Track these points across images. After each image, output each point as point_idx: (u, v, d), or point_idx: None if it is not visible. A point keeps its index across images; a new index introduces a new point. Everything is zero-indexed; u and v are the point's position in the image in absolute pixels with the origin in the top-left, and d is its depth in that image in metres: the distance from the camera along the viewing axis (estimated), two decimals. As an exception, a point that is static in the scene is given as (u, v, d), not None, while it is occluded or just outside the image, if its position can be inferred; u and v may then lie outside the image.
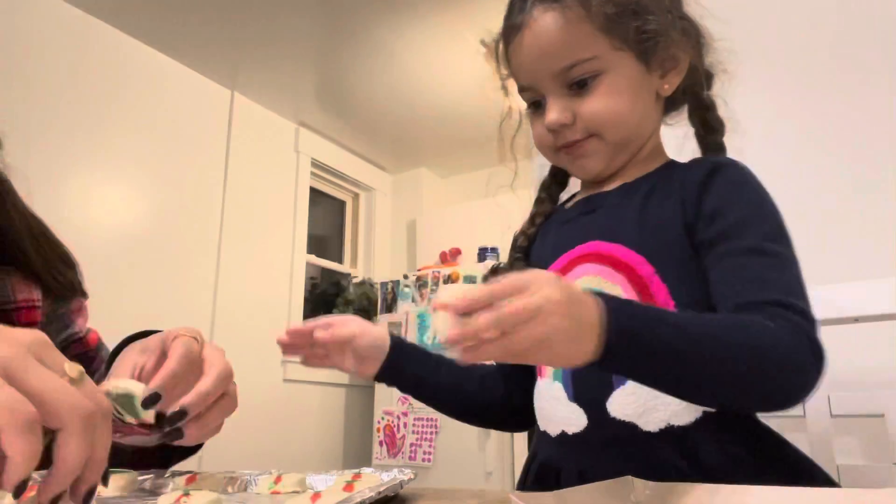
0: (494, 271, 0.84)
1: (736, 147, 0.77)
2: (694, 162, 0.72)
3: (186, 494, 0.41)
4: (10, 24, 2.48)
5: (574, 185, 0.86)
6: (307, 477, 0.54)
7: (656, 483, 0.49)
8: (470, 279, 3.32)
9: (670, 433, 0.62)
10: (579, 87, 0.69)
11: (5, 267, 0.70)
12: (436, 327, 0.44)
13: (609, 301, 0.48)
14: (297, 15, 2.79)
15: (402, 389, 0.81)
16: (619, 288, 0.66)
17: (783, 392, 0.55)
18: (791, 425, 0.69)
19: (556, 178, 0.86)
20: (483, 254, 3.65)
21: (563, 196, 0.87)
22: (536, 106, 0.74)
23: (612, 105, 0.69)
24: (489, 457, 3.00)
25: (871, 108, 1.26)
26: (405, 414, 3.28)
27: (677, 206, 0.67)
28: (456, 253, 3.87)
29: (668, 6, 0.72)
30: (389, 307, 3.55)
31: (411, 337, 3.38)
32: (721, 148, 0.77)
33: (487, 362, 0.79)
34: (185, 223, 3.08)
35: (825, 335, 0.92)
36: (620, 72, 0.69)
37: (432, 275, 3.46)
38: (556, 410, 0.70)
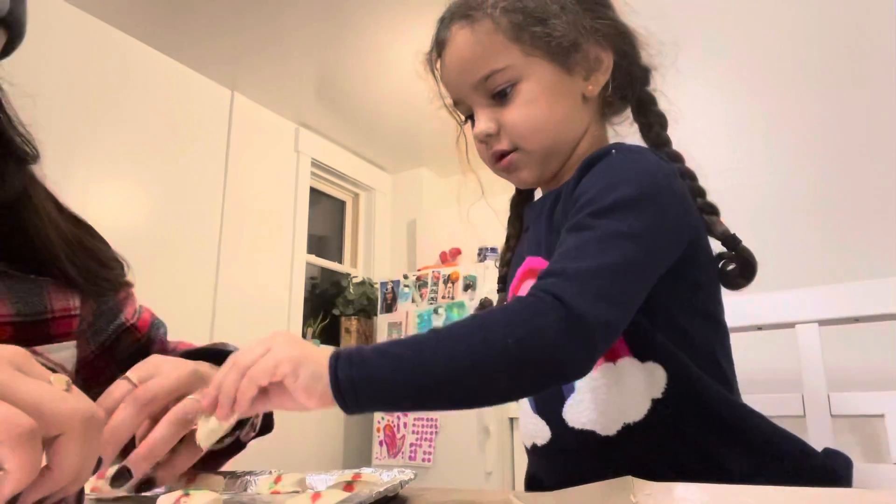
0: (483, 306, 0.86)
1: (682, 140, 0.76)
2: (587, 156, 0.71)
3: (186, 494, 0.41)
4: (10, 24, 2.48)
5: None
6: (307, 477, 0.54)
7: (656, 483, 0.49)
8: (470, 279, 3.32)
9: (629, 432, 0.62)
10: (501, 97, 0.71)
11: (41, 277, 0.69)
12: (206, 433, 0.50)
13: (338, 351, 0.51)
14: (297, 15, 2.79)
15: None
16: None
17: (537, 366, 0.51)
18: (791, 425, 0.68)
19: (521, 196, 0.86)
20: (483, 254, 3.65)
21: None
22: (471, 119, 0.76)
23: (530, 113, 0.70)
24: (489, 457, 3.00)
25: (872, 107, 1.26)
26: (405, 414, 3.28)
27: (564, 206, 0.68)
28: (456, 253, 3.87)
29: (576, 9, 0.72)
30: (389, 307, 3.55)
31: (411, 337, 3.38)
32: (665, 142, 0.76)
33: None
34: (185, 223, 3.08)
35: (825, 335, 0.93)
36: (536, 78, 0.70)
37: (432, 275, 3.46)
38: (526, 423, 0.72)
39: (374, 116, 3.71)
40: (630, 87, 0.76)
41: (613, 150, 0.67)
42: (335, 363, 0.49)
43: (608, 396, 0.63)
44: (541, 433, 0.69)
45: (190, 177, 3.14)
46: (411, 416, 3.26)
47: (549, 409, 0.67)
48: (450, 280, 3.38)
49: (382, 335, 3.51)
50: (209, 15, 2.78)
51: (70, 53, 2.67)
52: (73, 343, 0.70)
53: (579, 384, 0.65)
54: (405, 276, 3.55)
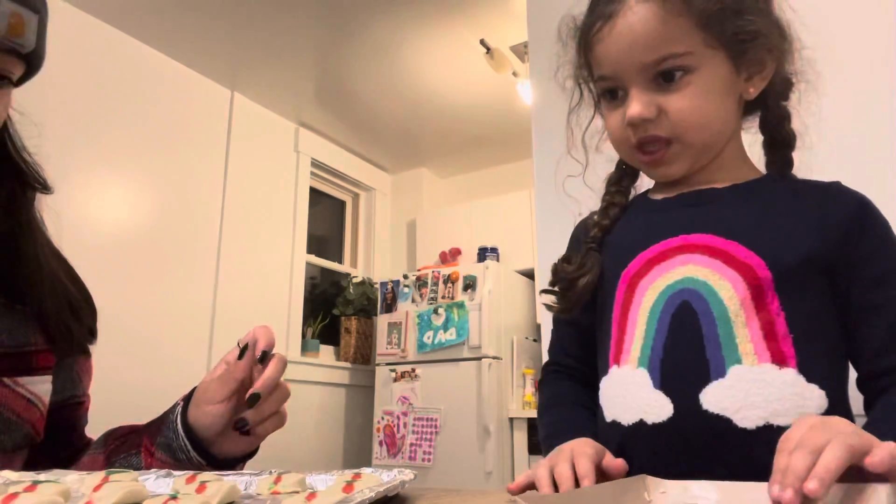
0: (567, 259, 0.80)
1: (805, 163, 0.75)
2: (831, 188, 0.70)
3: (174, 498, 0.40)
4: (10, 24, 2.48)
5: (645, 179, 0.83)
6: (307, 477, 0.54)
7: (670, 481, 0.48)
8: (470, 279, 3.32)
9: (769, 432, 0.60)
10: (666, 81, 0.67)
11: (26, 308, 0.69)
12: None
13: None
14: (297, 15, 2.79)
15: None
16: (730, 284, 0.66)
17: None
18: (791, 426, 0.68)
19: (627, 172, 0.83)
20: (483, 254, 3.65)
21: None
22: (612, 96, 0.72)
23: (699, 105, 0.67)
24: (489, 457, 3.00)
25: (872, 107, 1.27)
26: (405, 414, 3.28)
27: (813, 228, 0.66)
28: (456, 253, 3.87)
29: (765, 9, 0.70)
30: (389, 307, 3.55)
31: (411, 336, 3.38)
32: (789, 163, 0.75)
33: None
34: (185, 223, 3.08)
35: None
36: (712, 71, 0.67)
37: (432, 275, 3.46)
38: (637, 397, 0.67)
39: (374, 116, 3.71)
40: (767, 96, 0.73)
41: (866, 197, 0.69)
42: None
43: (760, 392, 0.62)
44: (659, 410, 0.65)
45: (190, 177, 3.14)
46: (411, 415, 3.26)
47: (682, 387, 0.64)
48: (450, 280, 3.38)
49: (382, 335, 3.51)
50: (209, 15, 2.78)
51: (70, 54, 2.67)
52: (49, 378, 0.71)
53: (733, 371, 0.63)
54: (405, 276, 3.55)
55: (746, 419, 0.61)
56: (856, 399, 0.67)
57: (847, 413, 0.65)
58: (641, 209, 0.79)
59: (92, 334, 0.77)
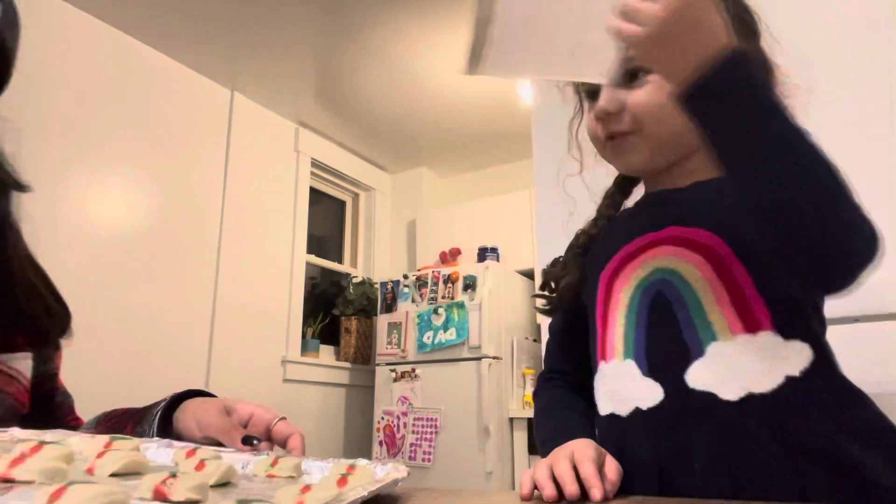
0: (555, 263, 0.89)
1: None
2: None
3: (173, 476, 0.41)
4: (11, 23, 2.49)
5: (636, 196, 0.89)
6: (304, 462, 0.54)
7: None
8: (470, 279, 3.32)
9: (751, 401, 0.63)
10: (630, 79, 0.72)
11: None
12: None
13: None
14: (296, 15, 2.80)
15: None
16: (694, 266, 0.70)
17: (844, 236, 0.58)
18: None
19: (620, 188, 0.90)
20: (483, 254, 3.65)
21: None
22: (592, 98, 0.78)
23: (656, 101, 0.72)
24: (489, 457, 3.00)
25: (868, 106, 1.27)
26: (405, 414, 3.28)
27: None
28: (456, 253, 3.87)
29: (732, 28, 0.74)
30: (389, 307, 3.55)
31: (411, 336, 3.38)
32: None
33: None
34: (185, 223, 3.08)
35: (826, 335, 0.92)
36: None
37: (432, 275, 3.46)
38: (629, 388, 0.71)
39: (374, 116, 3.71)
40: None
41: None
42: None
43: (736, 364, 0.65)
44: (651, 395, 0.69)
45: (190, 177, 3.14)
46: (411, 415, 3.26)
47: (668, 371, 0.69)
48: (450, 280, 3.38)
49: (382, 335, 3.51)
50: (208, 15, 2.79)
51: (70, 54, 2.68)
52: (29, 355, 0.73)
53: (711, 349, 0.67)
54: (405, 276, 3.55)
55: (729, 391, 0.65)
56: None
57: (833, 365, 0.68)
58: (619, 218, 0.87)
59: (63, 332, 0.80)
